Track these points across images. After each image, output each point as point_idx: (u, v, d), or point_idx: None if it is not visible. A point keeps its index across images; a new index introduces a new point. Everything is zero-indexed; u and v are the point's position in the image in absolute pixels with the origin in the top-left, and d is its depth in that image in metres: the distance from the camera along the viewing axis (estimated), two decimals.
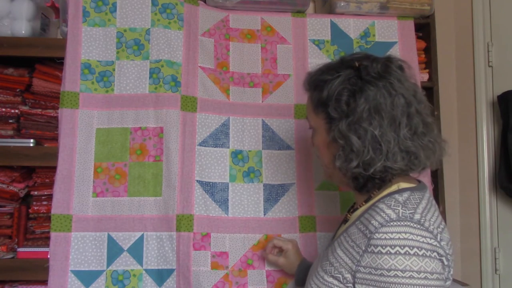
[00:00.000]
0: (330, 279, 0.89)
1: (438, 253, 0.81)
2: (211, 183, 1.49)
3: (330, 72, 0.93)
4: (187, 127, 1.49)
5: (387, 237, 0.80)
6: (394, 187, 0.91)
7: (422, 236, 0.80)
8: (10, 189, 1.47)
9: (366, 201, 0.94)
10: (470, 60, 1.86)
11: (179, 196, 1.44)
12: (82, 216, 1.41)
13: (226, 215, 1.48)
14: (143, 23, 1.53)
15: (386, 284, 0.79)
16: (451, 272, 0.87)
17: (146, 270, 1.41)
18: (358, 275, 0.84)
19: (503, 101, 1.64)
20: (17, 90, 1.51)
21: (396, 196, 0.88)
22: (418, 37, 1.72)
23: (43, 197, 1.50)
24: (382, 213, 0.84)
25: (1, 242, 1.46)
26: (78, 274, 1.38)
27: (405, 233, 0.80)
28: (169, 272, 1.41)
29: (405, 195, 0.88)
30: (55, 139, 1.48)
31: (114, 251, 1.41)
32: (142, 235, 1.42)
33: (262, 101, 1.58)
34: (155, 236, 1.42)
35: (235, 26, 1.62)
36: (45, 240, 1.45)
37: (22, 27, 1.52)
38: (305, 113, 1.57)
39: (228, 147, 1.53)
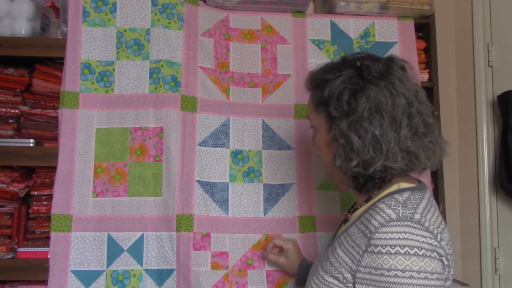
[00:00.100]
0: (330, 279, 0.89)
1: (438, 253, 0.81)
2: (211, 183, 1.49)
3: (331, 71, 0.93)
4: (187, 127, 1.49)
5: (387, 237, 0.80)
6: (394, 187, 0.91)
7: (422, 236, 0.80)
8: (10, 189, 1.47)
9: (366, 201, 0.94)
10: (470, 60, 1.86)
11: (179, 196, 1.44)
12: (82, 216, 1.41)
13: (226, 215, 1.48)
14: (143, 23, 1.53)
15: (386, 284, 0.79)
16: (451, 272, 0.87)
17: (146, 270, 1.41)
18: (358, 275, 0.84)
19: (503, 101, 1.64)
20: (17, 90, 1.51)
21: (396, 196, 0.88)
22: (418, 37, 1.72)
23: (43, 197, 1.49)
24: (382, 213, 0.84)
25: (1, 242, 1.46)
26: (78, 274, 1.38)
27: (405, 233, 0.80)
28: (169, 272, 1.41)
29: (405, 195, 0.88)
30: (55, 139, 1.48)
31: (114, 251, 1.41)
32: (142, 235, 1.42)
33: (262, 101, 1.58)
34: (155, 236, 1.42)
35: (235, 26, 1.62)
36: (45, 240, 1.45)
37: (22, 27, 1.52)
38: (305, 113, 1.58)
39: (228, 147, 1.53)
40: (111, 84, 1.49)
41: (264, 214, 1.50)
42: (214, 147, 1.51)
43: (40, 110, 1.50)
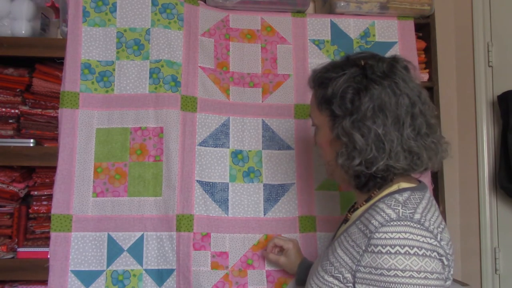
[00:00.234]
0: (331, 279, 0.89)
1: (438, 253, 0.81)
2: (211, 183, 1.49)
3: (335, 70, 0.94)
4: (187, 127, 1.49)
5: (387, 236, 0.80)
6: (394, 187, 0.91)
7: (422, 236, 0.80)
8: (10, 189, 1.47)
9: (367, 200, 0.94)
10: (470, 60, 1.86)
11: (179, 196, 1.44)
12: (82, 216, 1.41)
13: (226, 215, 1.48)
14: (143, 23, 1.53)
15: (386, 284, 0.79)
16: (451, 272, 0.87)
17: (146, 270, 1.41)
18: (358, 274, 0.84)
19: (503, 101, 1.64)
20: (17, 90, 1.51)
21: (396, 196, 0.88)
22: (418, 37, 1.72)
23: (43, 197, 1.49)
24: (382, 213, 0.84)
25: (1, 242, 1.46)
26: (78, 274, 1.38)
27: (405, 232, 0.80)
28: (169, 272, 1.41)
29: (406, 195, 0.88)
30: (55, 139, 1.49)
31: (114, 251, 1.41)
32: (142, 235, 1.42)
33: (262, 101, 1.58)
34: (155, 236, 1.42)
35: (235, 26, 1.62)
36: (45, 240, 1.45)
37: (22, 27, 1.52)
38: (306, 113, 1.58)
39: (228, 147, 1.53)
40: (111, 84, 1.49)
41: (264, 214, 1.50)
42: (214, 147, 1.51)
43: (40, 110, 1.50)
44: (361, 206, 0.96)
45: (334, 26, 1.66)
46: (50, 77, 1.51)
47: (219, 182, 1.49)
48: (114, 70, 1.50)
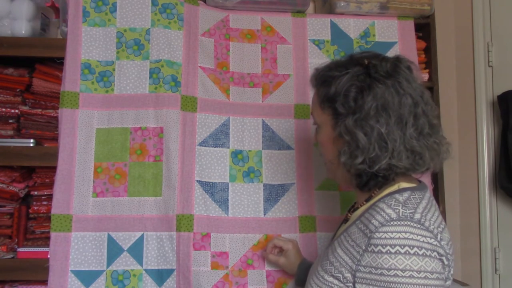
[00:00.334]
0: (331, 279, 0.89)
1: (438, 253, 0.81)
2: (211, 183, 1.49)
3: (338, 68, 0.94)
4: (187, 127, 1.49)
5: (387, 236, 0.80)
6: (394, 187, 0.91)
7: (422, 236, 0.80)
8: (10, 189, 1.47)
9: (367, 200, 0.94)
10: (470, 60, 1.86)
11: (179, 196, 1.44)
12: (82, 216, 1.41)
13: (226, 215, 1.48)
14: (143, 23, 1.53)
15: (386, 284, 0.79)
16: (451, 272, 0.87)
17: (146, 270, 1.41)
18: (358, 274, 0.84)
19: (503, 101, 1.64)
20: (17, 90, 1.51)
21: (397, 195, 0.88)
22: (418, 37, 1.72)
23: (43, 197, 1.49)
24: (382, 213, 0.84)
25: (1, 242, 1.46)
26: (78, 274, 1.38)
27: (405, 232, 0.80)
28: (169, 272, 1.41)
29: (406, 194, 0.88)
30: (55, 139, 1.48)
31: (114, 251, 1.41)
32: (142, 235, 1.42)
33: (262, 101, 1.58)
34: (155, 236, 1.42)
35: (235, 26, 1.62)
36: (45, 240, 1.45)
37: (22, 27, 1.52)
38: (305, 113, 1.58)
39: (228, 147, 1.53)
40: (111, 84, 1.49)
41: (264, 214, 1.50)
42: (214, 147, 1.51)
43: (40, 110, 1.50)
44: (361, 206, 0.96)
45: (334, 26, 1.66)
46: (50, 77, 1.51)
47: (219, 182, 1.49)
48: (114, 70, 1.50)
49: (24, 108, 1.50)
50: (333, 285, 0.89)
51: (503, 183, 1.63)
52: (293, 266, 1.33)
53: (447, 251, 0.83)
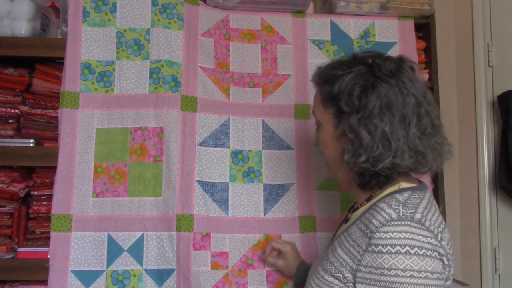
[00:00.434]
0: (331, 279, 0.89)
1: (438, 253, 0.81)
2: (211, 183, 1.49)
3: (341, 67, 0.94)
4: (187, 127, 1.49)
5: (388, 236, 0.80)
6: (395, 187, 0.91)
7: (423, 236, 0.80)
8: (10, 189, 1.47)
9: (367, 200, 0.94)
10: (470, 60, 1.86)
11: (179, 196, 1.44)
12: (82, 216, 1.41)
13: (226, 215, 1.48)
14: (143, 23, 1.52)
15: (387, 283, 0.79)
16: (452, 272, 0.87)
17: (146, 270, 1.41)
18: (358, 274, 0.84)
19: (503, 101, 1.64)
20: (17, 90, 1.50)
21: (397, 195, 0.88)
22: (418, 37, 1.72)
23: (43, 197, 1.49)
24: (383, 213, 0.84)
25: (1, 242, 1.46)
26: (78, 274, 1.38)
27: (406, 232, 0.80)
28: (169, 272, 1.41)
29: (406, 194, 0.88)
30: (55, 139, 1.48)
31: (114, 251, 1.41)
32: (142, 235, 1.42)
33: (262, 101, 1.58)
34: (155, 236, 1.42)
35: (235, 26, 1.62)
36: (45, 240, 1.45)
37: (22, 27, 1.52)
38: (305, 113, 1.58)
39: (228, 147, 1.53)
40: (111, 84, 1.49)
41: (264, 214, 1.50)
42: (214, 147, 1.51)
43: (40, 110, 1.50)
44: (361, 206, 0.96)
45: (334, 26, 1.66)
46: (50, 77, 1.51)
47: (219, 182, 1.49)
48: (114, 70, 1.50)
49: (24, 108, 1.50)
50: (333, 285, 0.89)
51: (503, 183, 1.63)
52: (291, 268, 1.33)
53: (448, 251, 0.83)
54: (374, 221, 0.84)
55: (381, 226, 0.82)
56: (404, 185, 0.91)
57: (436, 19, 1.72)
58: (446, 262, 0.82)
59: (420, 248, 0.79)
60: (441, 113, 1.67)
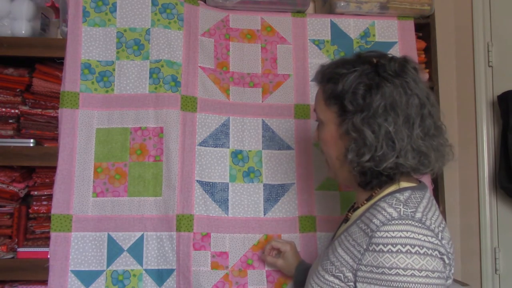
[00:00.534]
0: (331, 278, 0.89)
1: (439, 252, 0.81)
2: (211, 183, 1.49)
3: (346, 66, 0.94)
4: (187, 127, 1.49)
5: (389, 235, 0.81)
6: (395, 186, 0.91)
7: (424, 235, 0.80)
8: (10, 189, 1.47)
9: (368, 200, 0.94)
10: (470, 60, 1.86)
11: (179, 196, 1.44)
12: (82, 216, 1.41)
13: (226, 215, 1.47)
14: (143, 23, 1.52)
15: (388, 282, 0.79)
16: (452, 271, 0.87)
17: (146, 270, 1.41)
18: (359, 273, 0.84)
19: (503, 101, 1.64)
20: (17, 90, 1.50)
21: (397, 195, 0.88)
22: (418, 37, 1.72)
23: (43, 197, 1.49)
24: (383, 212, 0.84)
25: (1, 242, 1.46)
26: (78, 274, 1.38)
27: (407, 231, 0.80)
28: (169, 272, 1.41)
29: (406, 194, 0.88)
30: (55, 139, 1.48)
31: (114, 251, 1.41)
32: (142, 235, 1.42)
33: (262, 101, 1.58)
34: (155, 236, 1.42)
35: (235, 26, 1.62)
36: (45, 240, 1.45)
37: (22, 27, 1.52)
38: (305, 113, 1.58)
39: (228, 147, 1.53)
40: (111, 84, 1.49)
41: (264, 214, 1.50)
42: (214, 147, 1.51)
43: (40, 110, 1.50)
44: (361, 206, 0.96)
45: (334, 26, 1.66)
46: (50, 77, 1.51)
47: (219, 182, 1.49)
48: (114, 70, 1.50)
49: (24, 108, 1.50)
50: (334, 285, 0.89)
51: (503, 183, 1.63)
52: (291, 268, 1.33)
53: (448, 250, 0.83)
54: (375, 220, 0.84)
55: (382, 225, 0.82)
56: (404, 184, 0.91)
57: (436, 19, 1.72)
58: (447, 261, 0.82)
59: (421, 247, 0.79)
60: (441, 113, 1.68)
